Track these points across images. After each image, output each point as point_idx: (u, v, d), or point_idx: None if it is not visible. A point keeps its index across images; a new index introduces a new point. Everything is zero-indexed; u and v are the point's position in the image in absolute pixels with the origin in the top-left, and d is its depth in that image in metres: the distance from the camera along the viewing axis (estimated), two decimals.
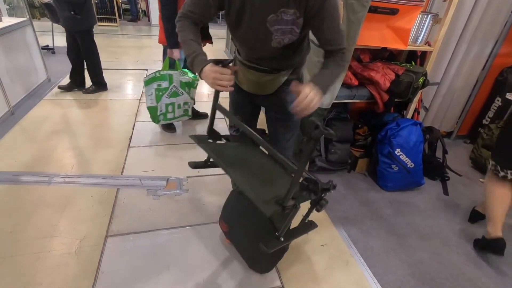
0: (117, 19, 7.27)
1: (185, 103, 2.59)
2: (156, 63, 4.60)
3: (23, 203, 1.79)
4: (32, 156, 2.22)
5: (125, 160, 2.26)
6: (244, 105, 1.32)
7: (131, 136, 2.59)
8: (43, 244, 1.55)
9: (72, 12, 2.82)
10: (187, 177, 2.13)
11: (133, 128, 2.72)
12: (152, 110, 2.48)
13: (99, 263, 1.47)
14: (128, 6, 8.21)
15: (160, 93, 2.41)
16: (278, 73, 1.14)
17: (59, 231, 1.63)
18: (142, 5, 8.57)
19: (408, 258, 1.68)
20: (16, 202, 1.80)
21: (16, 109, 2.82)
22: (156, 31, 7.19)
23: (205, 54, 1.01)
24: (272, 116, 1.29)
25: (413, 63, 2.15)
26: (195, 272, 1.47)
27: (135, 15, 8.12)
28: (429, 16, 1.95)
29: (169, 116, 2.57)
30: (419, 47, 2.08)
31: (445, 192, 2.26)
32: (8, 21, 2.95)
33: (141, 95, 3.44)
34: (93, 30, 3.15)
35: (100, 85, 3.42)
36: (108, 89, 3.50)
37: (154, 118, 2.53)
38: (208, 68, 0.94)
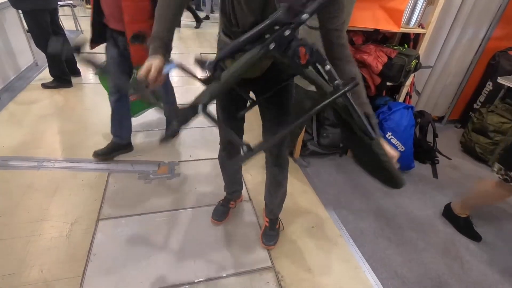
0: None
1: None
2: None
3: (12, 187, 1.78)
4: (21, 140, 2.18)
5: None
6: (234, 93, 1.18)
7: None
8: (33, 227, 1.54)
9: None
10: (179, 161, 2.12)
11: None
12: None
13: (90, 245, 1.48)
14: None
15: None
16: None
17: (50, 215, 1.63)
18: None
19: (396, 238, 1.72)
20: (5, 187, 1.78)
21: (2, 93, 2.75)
22: None
23: (161, 40, 0.84)
24: (266, 104, 1.20)
25: (406, 46, 2.13)
26: (186, 255, 1.49)
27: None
28: None
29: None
30: (412, 29, 2.06)
31: (435, 175, 2.29)
32: None
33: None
34: (49, 14, 2.69)
35: (60, 80, 2.98)
36: (73, 85, 3.06)
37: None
38: (148, 59, 0.81)
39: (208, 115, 0.74)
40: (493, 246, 1.72)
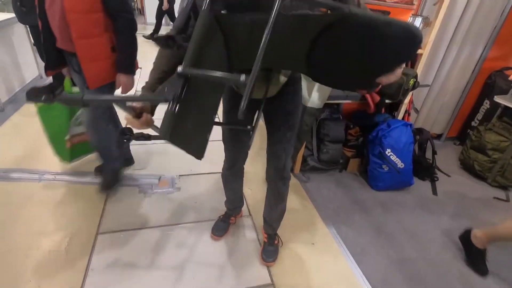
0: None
1: None
2: (150, 62, 4.56)
3: (13, 199, 1.78)
4: (23, 152, 2.20)
5: None
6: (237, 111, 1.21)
7: None
8: (32, 240, 1.54)
9: (19, 3, 2.53)
10: (179, 175, 2.13)
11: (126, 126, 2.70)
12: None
13: (89, 260, 1.47)
14: None
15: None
16: (278, 74, 1.07)
17: (49, 228, 1.62)
18: (138, 3, 8.53)
19: (396, 255, 1.71)
20: (6, 199, 1.78)
21: (6, 105, 2.79)
22: (151, 29, 7.14)
23: (152, 91, 0.84)
24: (273, 119, 1.24)
25: (404, 65, 2.18)
26: (186, 270, 1.48)
27: None
28: (420, 19, 1.99)
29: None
30: None
31: (434, 192, 2.30)
32: None
33: (134, 93, 3.42)
34: None
35: None
36: None
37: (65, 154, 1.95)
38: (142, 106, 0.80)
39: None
40: (499, 277, 1.68)
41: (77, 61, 1.45)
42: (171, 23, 6.17)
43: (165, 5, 5.34)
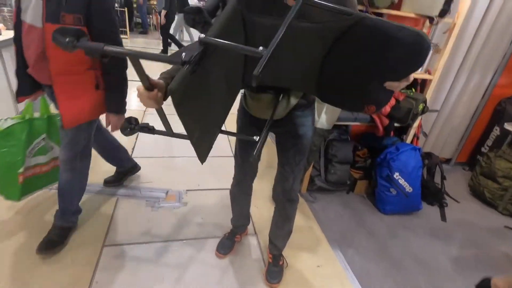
0: (128, 31, 7.48)
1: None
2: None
3: (19, 207, 1.81)
4: None
5: None
6: (248, 130, 1.24)
7: (133, 147, 2.62)
8: None
9: None
10: (187, 190, 2.15)
11: (136, 139, 2.76)
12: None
13: (93, 272, 1.47)
14: (140, 20, 8.51)
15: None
16: (289, 96, 1.09)
17: None
18: (154, 20, 8.86)
19: (403, 281, 1.67)
20: (12, 207, 1.81)
21: None
22: None
23: (166, 77, 0.80)
24: (282, 141, 1.26)
25: (413, 90, 2.21)
26: (189, 287, 1.47)
27: (146, 27, 8.40)
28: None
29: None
30: (420, 75, 2.14)
31: (443, 218, 2.26)
32: None
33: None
34: None
35: None
36: None
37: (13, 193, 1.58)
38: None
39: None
40: None
41: (53, 93, 1.30)
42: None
43: (163, 20, 5.49)
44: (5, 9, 3.13)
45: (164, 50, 5.94)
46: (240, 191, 1.48)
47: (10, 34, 2.80)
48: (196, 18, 0.82)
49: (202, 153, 0.85)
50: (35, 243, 1.52)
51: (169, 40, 5.91)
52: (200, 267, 1.58)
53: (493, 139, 2.79)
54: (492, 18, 2.35)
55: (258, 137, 0.98)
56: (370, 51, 0.78)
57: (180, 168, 2.42)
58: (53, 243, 1.55)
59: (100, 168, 2.25)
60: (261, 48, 0.57)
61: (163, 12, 5.39)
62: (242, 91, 1.18)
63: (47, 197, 1.91)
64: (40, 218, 1.75)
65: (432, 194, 2.39)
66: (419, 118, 2.24)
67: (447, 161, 3.06)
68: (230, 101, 1.00)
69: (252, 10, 0.84)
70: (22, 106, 1.52)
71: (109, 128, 1.53)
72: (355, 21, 0.74)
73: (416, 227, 2.14)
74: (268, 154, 1.31)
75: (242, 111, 1.26)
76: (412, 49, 0.71)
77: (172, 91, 0.61)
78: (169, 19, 5.58)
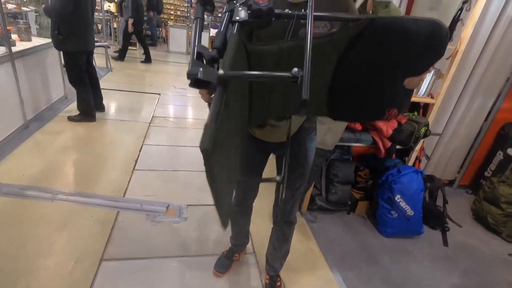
0: (137, 43, 7.64)
1: None
2: (169, 89, 4.79)
3: (24, 218, 1.82)
4: (40, 169, 2.28)
5: (128, 182, 2.30)
6: (252, 153, 1.23)
7: (137, 159, 2.65)
8: (38, 262, 1.56)
9: (56, 31, 2.73)
10: (188, 205, 2.15)
11: (139, 151, 2.79)
12: None
13: (91, 286, 1.47)
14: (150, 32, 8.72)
15: None
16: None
17: (56, 250, 1.64)
18: (163, 33, 9.08)
19: None
20: (19, 217, 1.83)
21: (31, 122, 2.93)
22: (173, 57, 7.52)
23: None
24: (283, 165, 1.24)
25: (416, 113, 2.23)
26: None
27: (155, 40, 8.59)
28: (432, 71, 2.06)
29: None
30: (422, 99, 2.17)
31: (445, 243, 2.23)
32: (37, 41, 3.15)
33: (151, 118, 3.55)
34: (86, 55, 3.06)
35: (86, 114, 3.19)
36: (96, 120, 3.26)
37: None
38: None
39: None
40: None
41: None
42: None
43: (130, 28, 5.72)
44: (21, 21, 3.24)
45: (122, 55, 6.16)
46: (240, 211, 1.49)
47: (24, 45, 2.91)
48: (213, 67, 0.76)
49: (225, 216, 0.72)
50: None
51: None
52: (198, 285, 1.57)
53: (496, 164, 2.78)
54: (494, 44, 2.38)
55: (279, 176, 0.94)
56: (388, 51, 0.76)
57: (182, 182, 2.43)
58: None
59: (105, 178, 2.28)
60: (295, 69, 0.53)
61: (130, 21, 5.66)
62: None
63: None
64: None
65: (434, 218, 2.36)
66: (422, 141, 2.25)
67: (450, 182, 3.04)
68: (242, 146, 0.97)
69: (256, 40, 0.86)
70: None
71: None
72: (364, 26, 0.73)
73: (417, 251, 2.11)
74: (267, 170, 1.33)
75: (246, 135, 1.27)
76: (432, 38, 0.70)
77: (205, 151, 0.47)
78: (136, 27, 5.84)
